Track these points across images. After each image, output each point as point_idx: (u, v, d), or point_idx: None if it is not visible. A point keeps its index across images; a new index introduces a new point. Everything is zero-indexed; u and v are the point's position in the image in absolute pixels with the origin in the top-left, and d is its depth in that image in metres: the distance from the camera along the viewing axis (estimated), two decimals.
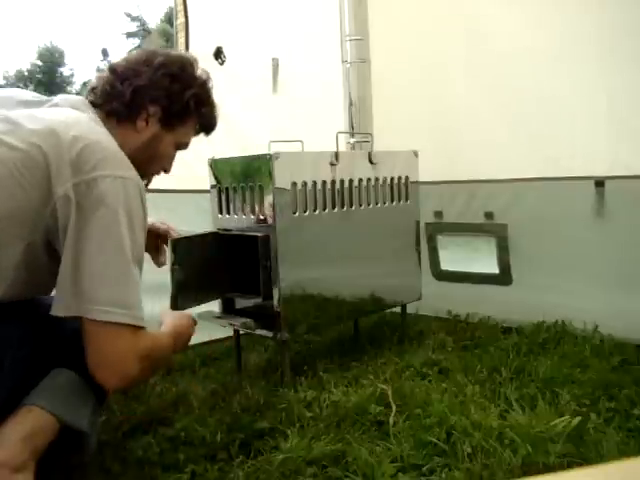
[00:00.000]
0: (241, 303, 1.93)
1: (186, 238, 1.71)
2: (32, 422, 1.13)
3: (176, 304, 1.69)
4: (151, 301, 1.92)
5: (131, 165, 1.20)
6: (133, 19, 21.80)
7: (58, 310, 1.11)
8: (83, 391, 1.21)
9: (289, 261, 1.77)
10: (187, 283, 1.71)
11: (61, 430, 1.17)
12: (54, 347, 1.19)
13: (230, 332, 2.04)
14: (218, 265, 1.84)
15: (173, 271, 1.67)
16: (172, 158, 1.46)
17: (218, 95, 2.36)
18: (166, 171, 1.48)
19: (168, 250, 1.64)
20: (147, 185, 1.43)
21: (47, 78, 24.89)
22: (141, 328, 1.15)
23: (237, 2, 2.43)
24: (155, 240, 1.63)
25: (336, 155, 1.90)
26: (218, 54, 2.37)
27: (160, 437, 1.49)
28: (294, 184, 1.78)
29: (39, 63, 25.22)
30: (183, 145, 1.45)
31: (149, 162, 1.38)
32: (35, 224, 1.11)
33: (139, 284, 1.16)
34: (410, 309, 2.30)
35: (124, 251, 1.12)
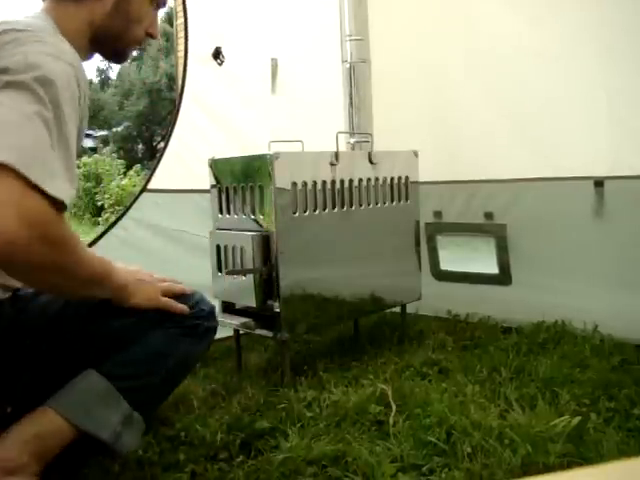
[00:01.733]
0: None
1: None
2: (42, 425, 1.11)
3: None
4: None
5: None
6: None
7: None
8: (111, 399, 1.18)
9: (289, 261, 1.77)
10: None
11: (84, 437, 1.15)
12: (90, 345, 1.19)
13: (230, 332, 2.04)
14: None
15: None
16: (153, 18, 1.31)
17: (217, 95, 2.39)
18: (152, 36, 1.33)
19: (256, 248, 1.74)
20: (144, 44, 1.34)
21: None
22: (49, 197, 0.97)
23: (236, 2, 2.43)
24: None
25: (336, 155, 1.90)
26: (217, 54, 2.37)
27: (160, 437, 1.49)
28: (294, 184, 1.78)
29: None
30: (160, 1, 1.31)
31: (127, 29, 1.27)
32: None
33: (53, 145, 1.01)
34: (410, 309, 2.30)
35: (25, 109, 0.98)
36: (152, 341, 1.29)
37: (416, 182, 2.19)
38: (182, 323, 1.33)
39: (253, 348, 2.21)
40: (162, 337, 1.30)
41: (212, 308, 1.43)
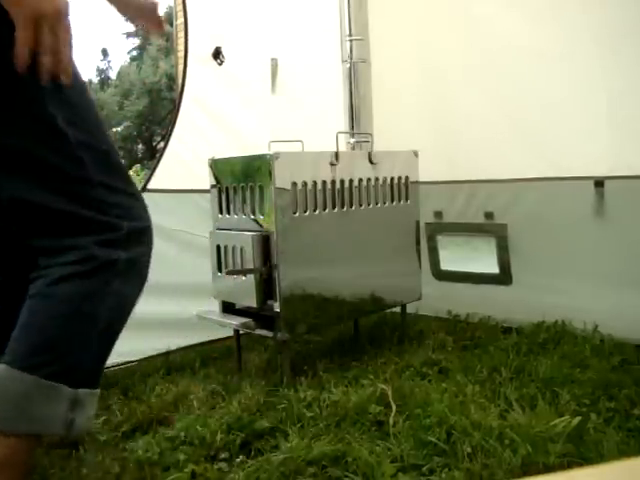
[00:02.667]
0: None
1: None
2: None
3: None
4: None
5: None
6: None
7: None
8: (48, 391, 1.01)
9: (289, 261, 1.77)
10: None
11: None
12: None
13: (230, 332, 2.04)
14: None
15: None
16: None
17: (217, 95, 2.39)
18: None
19: (256, 248, 1.70)
20: None
21: None
22: None
23: (236, 2, 2.43)
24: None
25: (336, 155, 1.90)
26: (217, 54, 2.37)
27: (160, 437, 1.49)
28: (294, 184, 1.78)
29: None
30: None
31: None
32: None
33: None
34: (410, 309, 2.30)
35: None
36: (66, 308, 1.04)
37: (416, 182, 2.19)
38: (96, 259, 1.04)
39: (253, 348, 2.21)
40: (79, 297, 1.04)
41: (140, 226, 1.11)
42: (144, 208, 1.15)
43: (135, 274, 1.12)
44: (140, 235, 1.12)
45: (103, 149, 1.09)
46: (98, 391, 1.10)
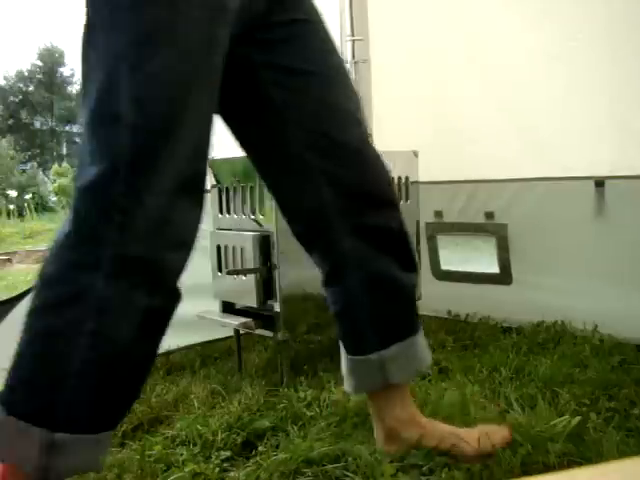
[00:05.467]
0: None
1: None
2: None
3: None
4: None
5: None
6: None
7: None
8: (13, 426, 0.93)
9: (289, 261, 1.77)
10: None
11: None
12: None
13: (230, 332, 2.04)
14: None
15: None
16: None
17: None
18: None
19: (256, 248, 1.70)
20: None
21: (47, 78, 24.96)
22: None
23: None
24: None
25: None
26: None
27: (160, 437, 1.50)
28: None
29: (39, 63, 25.28)
30: None
31: None
32: None
33: None
34: None
35: None
36: (38, 346, 0.94)
37: (416, 182, 2.18)
38: (72, 284, 0.87)
39: (253, 348, 2.21)
40: (45, 335, 0.93)
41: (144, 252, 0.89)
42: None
43: (121, 313, 0.88)
44: (140, 264, 0.86)
45: None
46: (96, 437, 0.96)
